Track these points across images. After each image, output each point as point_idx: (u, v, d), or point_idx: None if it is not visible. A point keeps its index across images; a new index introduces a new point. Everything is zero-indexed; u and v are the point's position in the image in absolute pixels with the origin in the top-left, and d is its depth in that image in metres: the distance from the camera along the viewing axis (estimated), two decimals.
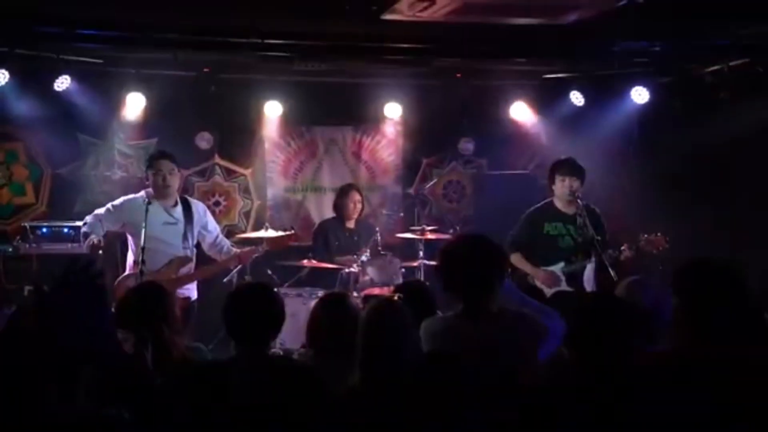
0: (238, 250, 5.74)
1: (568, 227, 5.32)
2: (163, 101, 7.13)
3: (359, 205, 6.90)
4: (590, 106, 7.38)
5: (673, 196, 7.03)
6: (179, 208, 5.58)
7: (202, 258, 5.81)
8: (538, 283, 5.39)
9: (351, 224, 6.97)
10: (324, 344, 3.24)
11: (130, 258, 5.57)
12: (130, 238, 5.58)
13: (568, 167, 5.41)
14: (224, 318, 2.94)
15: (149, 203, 5.28)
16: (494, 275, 3.13)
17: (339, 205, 6.96)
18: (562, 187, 5.40)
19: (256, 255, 5.79)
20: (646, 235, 5.15)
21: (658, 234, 5.09)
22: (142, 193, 5.60)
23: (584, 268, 5.18)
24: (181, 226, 5.55)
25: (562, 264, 5.37)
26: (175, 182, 5.56)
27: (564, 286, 5.34)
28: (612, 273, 4.80)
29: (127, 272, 5.50)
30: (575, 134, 7.29)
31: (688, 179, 7.14)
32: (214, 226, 5.80)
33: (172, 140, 7.07)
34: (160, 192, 5.49)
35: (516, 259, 5.36)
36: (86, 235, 5.42)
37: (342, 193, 6.97)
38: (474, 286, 3.10)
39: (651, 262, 5.32)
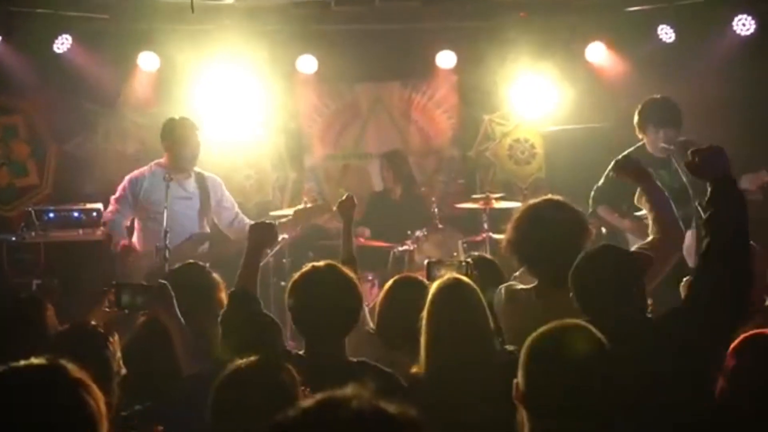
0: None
1: (659, 173, 5.06)
2: (180, 60, 6.99)
3: (390, 171, 6.99)
4: (682, 43, 7.17)
5: None
6: (193, 181, 5.67)
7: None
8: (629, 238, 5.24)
9: (397, 195, 7.00)
10: (397, 333, 3.25)
11: (136, 239, 5.67)
12: (139, 219, 5.68)
13: (667, 115, 5.23)
14: (291, 311, 2.89)
15: (170, 179, 5.31)
16: (575, 247, 3.09)
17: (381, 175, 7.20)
18: (656, 139, 5.22)
19: (284, 237, 5.75)
20: (746, 175, 5.02)
21: (762, 170, 5.04)
22: (152, 166, 5.69)
23: (681, 217, 5.01)
24: (196, 200, 5.66)
25: None
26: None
27: None
28: None
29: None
30: (665, 77, 6.93)
31: None
32: (231, 202, 5.87)
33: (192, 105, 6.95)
34: (184, 164, 5.56)
35: (603, 211, 5.36)
36: (111, 236, 5.61)
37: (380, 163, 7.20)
38: (551, 260, 3.10)
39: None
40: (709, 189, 2.73)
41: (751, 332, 2.48)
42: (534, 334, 2.17)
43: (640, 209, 4.96)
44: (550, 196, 3.37)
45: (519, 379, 2.12)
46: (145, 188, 5.61)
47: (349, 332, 2.91)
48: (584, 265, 2.76)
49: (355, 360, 2.88)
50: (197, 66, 7.01)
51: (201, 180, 5.70)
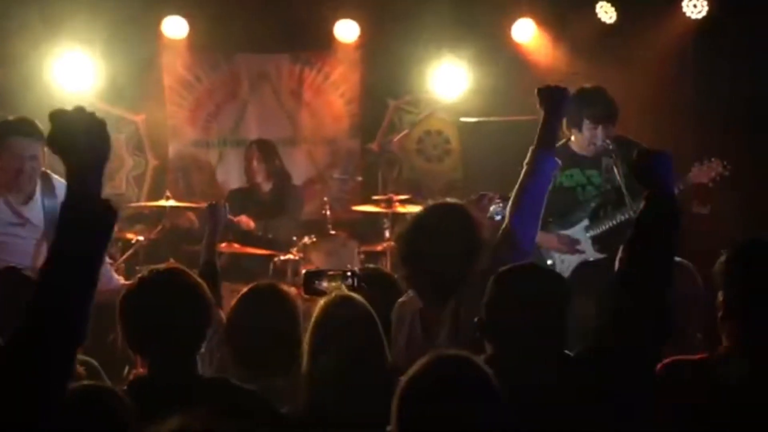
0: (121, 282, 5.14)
1: (588, 173, 5.18)
2: (9, 15, 6.48)
3: (261, 164, 6.67)
4: (625, 24, 7.00)
5: (739, 144, 6.54)
6: (37, 200, 4.80)
7: None
8: (554, 257, 5.28)
9: (266, 191, 6.68)
10: (250, 355, 3.21)
11: None
12: None
13: (606, 109, 5.15)
14: (120, 324, 2.84)
15: None
16: (462, 264, 3.12)
17: (245, 169, 6.85)
18: (591, 136, 5.12)
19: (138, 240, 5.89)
20: (697, 164, 5.07)
21: (712, 159, 5.03)
22: None
23: (615, 225, 5.10)
24: (33, 228, 4.80)
25: (585, 222, 5.20)
26: (37, 170, 4.72)
27: (590, 254, 5.15)
28: None
29: None
30: (604, 63, 6.74)
31: (760, 121, 6.73)
32: None
33: (18, 72, 6.61)
34: (18, 186, 4.70)
35: None
36: None
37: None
38: (432, 283, 3.15)
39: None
40: (644, 200, 2.71)
41: (670, 359, 2.65)
42: (408, 372, 2.15)
43: (568, 226, 5.18)
44: (446, 200, 3.38)
45: (391, 426, 2.13)
46: None
47: (198, 347, 2.85)
48: (500, 289, 2.68)
49: (209, 377, 2.87)
50: (34, 24, 6.51)
51: (48, 192, 4.86)
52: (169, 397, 2.46)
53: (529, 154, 3.37)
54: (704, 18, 6.82)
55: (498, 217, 4.03)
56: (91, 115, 2.04)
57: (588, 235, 5.18)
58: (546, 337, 2.60)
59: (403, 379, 2.17)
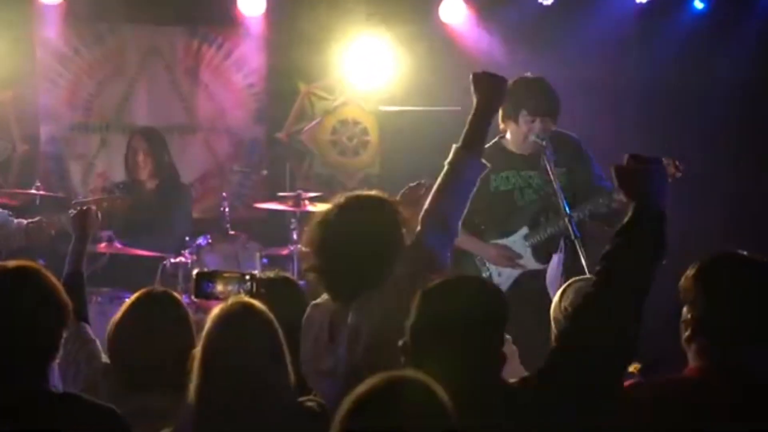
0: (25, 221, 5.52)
1: (525, 175, 5.23)
2: None
3: (148, 158, 6.38)
4: (563, 6, 7.04)
5: (682, 130, 6.72)
6: None
7: None
8: (491, 268, 5.32)
9: (150, 188, 6.42)
10: (132, 370, 3.18)
11: None
12: None
13: (547, 102, 5.16)
14: None
15: None
16: (375, 260, 3.08)
17: (126, 161, 6.55)
18: (528, 130, 5.10)
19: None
20: None
21: (663, 159, 5.07)
22: None
23: (558, 233, 5.12)
24: None
25: (524, 230, 5.21)
26: None
27: (531, 265, 5.17)
28: (583, 261, 4.59)
29: None
30: (540, 49, 6.80)
31: (713, 114, 6.88)
32: None
33: None
34: None
35: (462, 237, 5.26)
36: None
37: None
38: (342, 274, 3.11)
39: None
40: (631, 212, 2.66)
41: (634, 381, 2.73)
42: (357, 390, 2.08)
43: (507, 234, 5.22)
44: (372, 192, 3.31)
45: None
46: None
47: (46, 357, 2.79)
48: (426, 308, 2.56)
49: (59, 392, 2.81)
50: None
51: None
52: (6, 414, 2.49)
53: (452, 153, 3.26)
54: (649, 2, 6.92)
55: None
56: None
57: (528, 243, 5.18)
58: (479, 364, 2.48)
59: (351, 396, 2.10)
